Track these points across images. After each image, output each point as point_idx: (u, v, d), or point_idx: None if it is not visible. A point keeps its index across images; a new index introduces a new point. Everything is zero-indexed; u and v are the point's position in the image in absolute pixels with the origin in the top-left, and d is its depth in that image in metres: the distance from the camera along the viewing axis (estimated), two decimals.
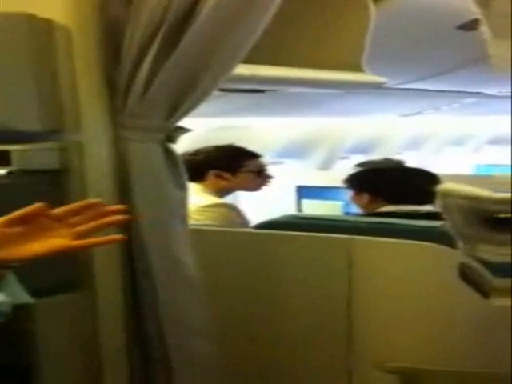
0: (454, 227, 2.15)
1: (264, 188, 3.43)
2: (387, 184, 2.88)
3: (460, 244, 2.16)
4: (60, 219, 1.21)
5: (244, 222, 3.11)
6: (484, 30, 1.94)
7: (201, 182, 3.21)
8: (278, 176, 3.51)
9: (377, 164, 4.21)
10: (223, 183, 3.24)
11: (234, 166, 3.28)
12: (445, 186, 2.19)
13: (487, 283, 2.18)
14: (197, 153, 3.29)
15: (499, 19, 1.93)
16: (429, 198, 2.75)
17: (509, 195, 2.07)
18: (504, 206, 2.07)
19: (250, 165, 3.32)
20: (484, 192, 2.10)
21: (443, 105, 5.57)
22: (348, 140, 5.70)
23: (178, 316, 1.93)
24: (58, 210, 1.21)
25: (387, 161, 4.65)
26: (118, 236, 1.25)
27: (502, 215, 2.10)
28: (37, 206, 1.17)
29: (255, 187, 3.39)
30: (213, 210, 3.04)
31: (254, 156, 3.35)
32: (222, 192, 3.25)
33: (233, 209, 3.16)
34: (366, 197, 2.89)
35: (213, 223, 2.93)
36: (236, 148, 3.37)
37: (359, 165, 4.34)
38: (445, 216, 2.17)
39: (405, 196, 2.78)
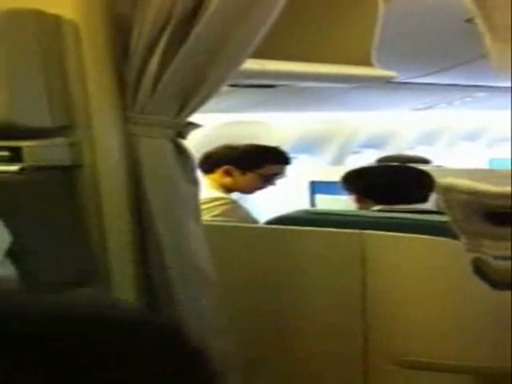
0: (456, 222, 2.14)
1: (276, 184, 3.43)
2: (371, 184, 2.88)
3: (462, 239, 2.14)
4: None
5: (247, 218, 3.11)
6: (479, 22, 1.92)
7: (208, 175, 3.22)
8: (291, 171, 3.51)
9: (396, 159, 4.21)
10: (227, 180, 3.24)
11: (250, 166, 3.28)
12: (446, 180, 2.17)
13: (501, 277, 2.17)
14: (223, 147, 3.30)
15: (495, 12, 1.91)
16: (417, 196, 2.77)
17: (510, 189, 2.05)
18: (506, 200, 2.06)
19: (269, 169, 3.33)
20: (486, 186, 2.08)
21: (456, 99, 5.54)
22: (360, 135, 5.69)
23: (194, 312, 1.92)
24: None
25: (406, 156, 4.64)
26: None
27: (505, 210, 2.08)
28: None
29: (253, 190, 3.40)
30: (213, 203, 3.04)
31: (277, 161, 3.35)
32: (224, 189, 3.25)
33: (233, 203, 3.16)
34: (355, 197, 2.91)
35: (212, 218, 2.92)
36: (262, 149, 3.37)
37: (379, 160, 4.35)
38: (446, 211, 2.16)
39: (391, 195, 2.77)
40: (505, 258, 2.12)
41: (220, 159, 3.25)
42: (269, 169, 3.33)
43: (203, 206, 2.92)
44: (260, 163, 3.30)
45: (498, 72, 2.00)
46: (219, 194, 3.17)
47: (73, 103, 1.70)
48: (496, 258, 2.14)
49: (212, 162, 3.24)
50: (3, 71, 1.61)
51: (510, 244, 2.05)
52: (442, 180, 2.19)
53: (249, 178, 3.30)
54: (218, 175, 3.24)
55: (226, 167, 3.23)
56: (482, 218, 2.09)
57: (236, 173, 3.25)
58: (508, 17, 1.89)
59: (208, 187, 3.14)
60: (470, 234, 2.13)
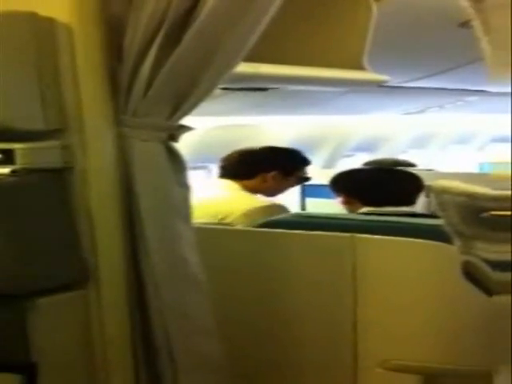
0: (450, 225, 2.15)
1: None
2: (361, 185, 2.91)
3: (456, 242, 2.15)
4: None
5: None
6: (476, 25, 1.93)
7: (244, 180, 3.15)
8: None
9: (383, 163, 4.22)
10: (266, 185, 3.19)
11: (292, 170, 3.27)
12: (441, 183, 2.18)
13: (491, 281, 2.17)
14: (254, 151, 3.24)
15: (492, 16, 1.92)
16: (406, 198, 2.79)
17: (505, 192, 2.06)
18: (501, 203, 2.07)
19: (302, 172, 3.32)
20: (480, 189, 2.10)
21: (447, 103, 5.57)
22: (352, 138, 5.70)
23: (184, 315, 1.92)
24: None
25: (393, 160, 4.66)
26: None
27: (499, 212, 2.10)
28: None
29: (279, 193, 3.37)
30: (268, 211, 2.96)
31: (308, 164, 3.37)
32: (256, 193, 3.21)
33: (284, 211, 3.11)
34: (343, 198, 2.93)
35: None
36: (299, 152, 3.36)
37: (366, 164, 4.36)
38: (440, 213, 2.17)
39: (380, 197, 2.79)
40: (498, 263, 2.14)
41: (264, 164, 3.18)
42: (303, 171, 3.34)
43: (255, 215, 2.89)
44: (301, 166, 3.32)
45: (496, 79, 2.01)
46: (266, 200, 3.12)
47: (66, 106, 1.70)
48: (488, 261, 2.15)
49: (254, 167, 3.16)
50: None
51: (504, 247, 2.07)
52: (436, 182, 2.20)
53: (289, 182, 3.29)
54: (258, 180, 3.16)
55: (274, 173, 3.18)
56: (476, 220, 2.10)
57: (279, 177, 3.23)
58: (506, 21, 1.90)
59: (240, 191, 3.08)
60: (464, 236, 2.14)
